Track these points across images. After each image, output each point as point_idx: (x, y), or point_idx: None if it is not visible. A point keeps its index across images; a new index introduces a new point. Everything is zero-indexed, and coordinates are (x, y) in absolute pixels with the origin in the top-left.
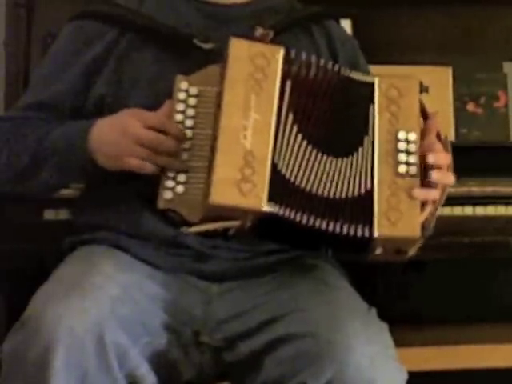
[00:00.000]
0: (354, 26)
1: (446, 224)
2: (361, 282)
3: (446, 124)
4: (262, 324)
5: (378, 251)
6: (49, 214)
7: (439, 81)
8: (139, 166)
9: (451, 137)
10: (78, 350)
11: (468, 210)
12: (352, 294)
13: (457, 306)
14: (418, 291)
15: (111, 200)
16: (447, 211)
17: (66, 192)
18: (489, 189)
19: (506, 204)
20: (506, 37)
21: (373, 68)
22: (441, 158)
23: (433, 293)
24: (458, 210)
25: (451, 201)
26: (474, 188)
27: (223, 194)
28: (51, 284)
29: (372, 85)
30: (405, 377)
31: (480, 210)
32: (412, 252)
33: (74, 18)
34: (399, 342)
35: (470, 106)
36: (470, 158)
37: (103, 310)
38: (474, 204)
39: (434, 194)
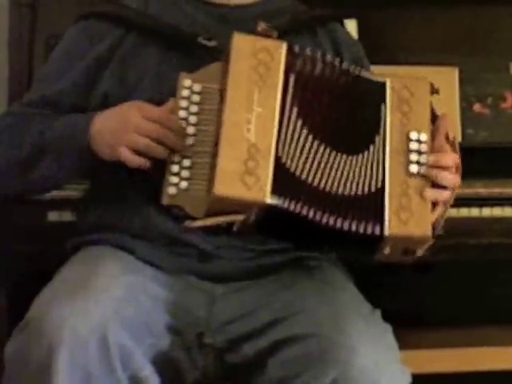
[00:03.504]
0: (360, 27)
1: (452, 225)
2: (365, 284)
3: (452, 125)
4: (265, 325)
5: (386, 251)
6: (52, 216)
7: (445, 81)
8: (130, 158)
9: (457, 137)
10: (81, 352)
11: (474, 212)
12: (356, 295)
13: (463, 307)
14: (423, 292)
15: (115, 200)
16: (453, 212)
17: (69, 193)
18: (495, 190)
19: None
20: None
21: (379, 68)
22: (450, 158)
23: (438, 294)
24: (464, 212)
25: (457, 202)
26: (481, 189)
27: (227, 185)
28: (55, 285)
29: (384, 84)
30: (408, 379)
31: (486, 212)
32: (420, 253)
33: (79, 18)
34: (404, 344)
35: (477, 107)
36: (476, 159)
37: (107, 312)
38: (481, 205)
39: (444, 195)
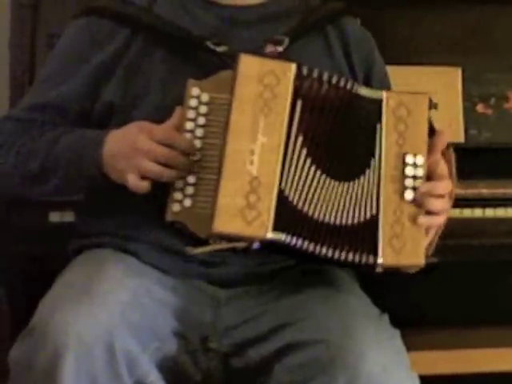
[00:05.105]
0: (363, 26)
1: (455, 226)
2: (369, 285)
3: (455, 125)
4: (271, 330)
5: (379, 271)
6: (54, 217)
7: (448, 81)
8: (135, 187)
9: (461, 138)
10: (87, 357)
11: (477, 212)
12: (363, 299)
13: (466, 308)
14: (426, 293)
15: (119, 206)
16: (456, 213)
17: None
18: (499, 190)
19: None
20: None
21: None
22: (444, 187)
23: (442, 295)
24: (467, 212)
25: (460, 202)
26: (484, 190)
27: (226, 221)
28: (59, 289)
29: (380, 102)
30: None
31: (490, 212)
32: (412, 271)
33: (81, 13)
34: (408, 346)
35: (480, 107)
36: (479, 160)
37: (113, 316)
38: (484, 206)
39: (438, 221)
